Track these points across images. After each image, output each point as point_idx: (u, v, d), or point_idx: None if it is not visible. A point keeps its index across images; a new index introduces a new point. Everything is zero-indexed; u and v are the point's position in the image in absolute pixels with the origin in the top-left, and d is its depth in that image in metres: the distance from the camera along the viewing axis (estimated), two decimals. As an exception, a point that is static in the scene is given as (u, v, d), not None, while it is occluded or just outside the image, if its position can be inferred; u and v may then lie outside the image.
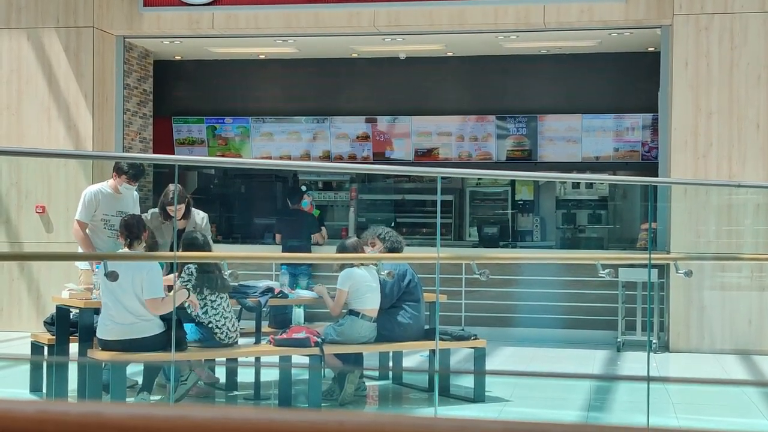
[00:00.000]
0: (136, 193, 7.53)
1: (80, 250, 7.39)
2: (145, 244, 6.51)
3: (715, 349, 9.60)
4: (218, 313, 6.57)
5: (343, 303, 6.96)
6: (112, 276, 5.71)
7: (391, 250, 7.16)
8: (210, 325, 6.54)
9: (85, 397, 6.23)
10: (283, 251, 10.45)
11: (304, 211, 10.85)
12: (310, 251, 10.52)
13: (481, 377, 7.14)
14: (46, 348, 6.97)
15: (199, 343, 6.52)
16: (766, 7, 9.72)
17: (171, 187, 7.19)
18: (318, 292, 7.32)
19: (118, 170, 7.20)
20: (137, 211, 7.31)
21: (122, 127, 11.36)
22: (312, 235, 10.68)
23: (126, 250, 6.48)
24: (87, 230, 7.20)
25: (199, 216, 7.46)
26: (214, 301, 6.58)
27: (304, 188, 12.08)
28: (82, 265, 7.29)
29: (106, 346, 6.26)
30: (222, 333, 6.57)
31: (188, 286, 6.49)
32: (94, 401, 6.13)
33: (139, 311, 6.27)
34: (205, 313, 6.55)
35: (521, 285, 10.39)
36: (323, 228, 10.99)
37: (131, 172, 7.15)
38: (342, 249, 7.07)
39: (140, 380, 6.71)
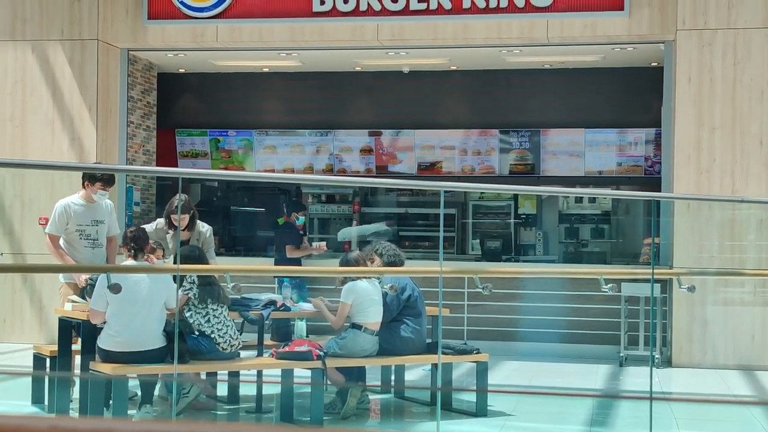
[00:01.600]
0: (109, 201, 7.49)
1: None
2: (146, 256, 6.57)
3: (717, 364, 9.58)
4: (220, 322, 6.60)
5: (346, 316, 6.96)
6: (115, 288, 5.71)
7: (390, 264, 7.15)
8: (213, 335, 6.55)
9: (87, 409, 6.21)
10: (275, 264, 10.36)
11: (290, 223, 10.65)
12: (288, 263, 10.24)
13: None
14: (48, 360, 6.97)
15: (202, 354, 6.52)
16: (770, 23, 9.74)
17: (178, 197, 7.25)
18: (315, 305, 7.31)
19: (91, 178, 7.17)
20: (114, 220, 7.35)
21: (126, 139, 11.38)
22: (285, 246, 10.39)
23: (132, 261, 6.49)
24: (62, 243, 7.18)
25: (204, 228, 7.49)
26: (216, 309, 6.61)
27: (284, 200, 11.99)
28: (62, 277, 7.31)
29: (108, 357, 6.25)
30: (225, 342, 6.58)
31: (189, 295, 6.56)
32: (105, 418, 6.12)
33: (160, 321, 6.32)
34: (208, 321, 6.56)
35: (524, 299, 10.38)
36: (305, 239, 10.73)
37: (105, 176, 7.16)
38: (345, 263, 7.07)
39: (138, 392, 6.71)
